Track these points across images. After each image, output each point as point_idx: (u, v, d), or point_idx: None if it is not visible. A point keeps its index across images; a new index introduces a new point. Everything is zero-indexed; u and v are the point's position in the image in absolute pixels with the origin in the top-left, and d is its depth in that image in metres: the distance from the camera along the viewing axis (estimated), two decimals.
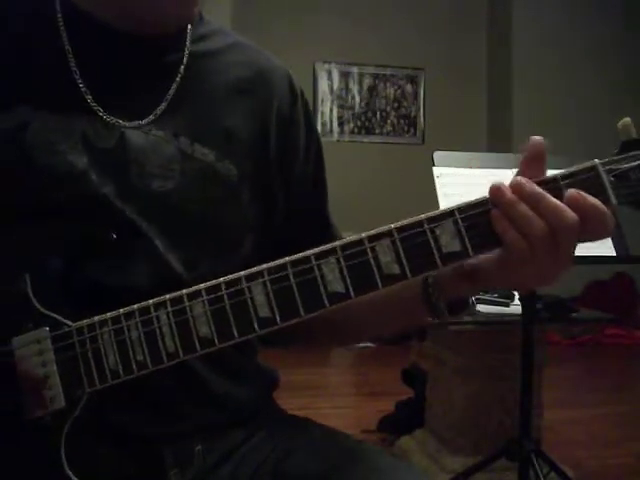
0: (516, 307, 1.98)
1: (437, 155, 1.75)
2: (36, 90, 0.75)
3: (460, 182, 1.68)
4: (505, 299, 2.07)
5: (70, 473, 0.64)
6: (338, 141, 5.52)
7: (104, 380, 0.65)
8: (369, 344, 4.41)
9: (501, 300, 2.07)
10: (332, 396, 3.54)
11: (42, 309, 0.67)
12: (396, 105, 5.69)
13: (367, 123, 5.64)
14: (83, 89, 0.75)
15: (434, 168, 1.72)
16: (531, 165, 0.62)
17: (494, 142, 5.60)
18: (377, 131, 5.65)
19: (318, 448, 0.80)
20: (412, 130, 5.71)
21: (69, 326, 0.67)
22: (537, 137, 0.62)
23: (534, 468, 1.77)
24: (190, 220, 0.76)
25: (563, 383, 3.63)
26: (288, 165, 0.86)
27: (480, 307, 2.04)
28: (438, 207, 1.64)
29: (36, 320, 0.67)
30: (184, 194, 0.76)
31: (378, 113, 5.66)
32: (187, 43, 0.82)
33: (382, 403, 2.99)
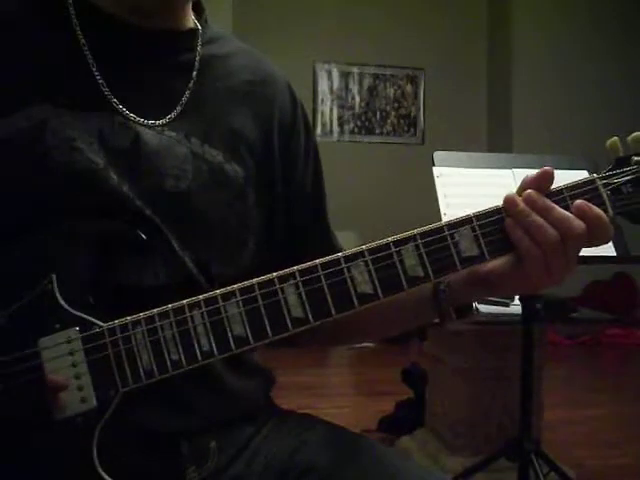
0: (516, 307, 1.98)
1: (437, 155, 1.75)
2: (53, 88, 0.75)
3: (460, 182, 1.68)
4: (505, 299, 2.07)
5: (104, 473, 0.64)
6: (338, 141, 5.53)
7: (138, 380, 0.65)
8: (369, 344, 4.41)
9: (501, 300, 2.06)
10: (332, 396, 3.55)
11: (70, 309, 0.67)
12: (396, 105, 5.70)
13: (367, 123, 5.64)
14: (102, 83, 0.75)
15: (434, 168, 1.72)
16: (538, 183, 0.68)
17: (494, 142, 5.60)
18: (377, 131, 5.65)
19: (324, 442, 0.82)
20: (412, 130, 5.71)
21: (100, 326, 0.66)
22: (548, 168, 0.68)
23: (534, 468, 1.77)
24: (202, 220, 0.77)
25: (563, 383, 3.63)
26: (289, 169, 0.87)
27: (480, 307, 2.04)
28: (438, 207, 1.64)
29: (64, 320, 0.66)
30: (196, 194, 0.76)
31: (378, 113, 5.66)
32: (199, 43, 0.83)
33: (382, 403, 2.99)
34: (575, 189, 0.67)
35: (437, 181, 1.69)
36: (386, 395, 3.07)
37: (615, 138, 0.69)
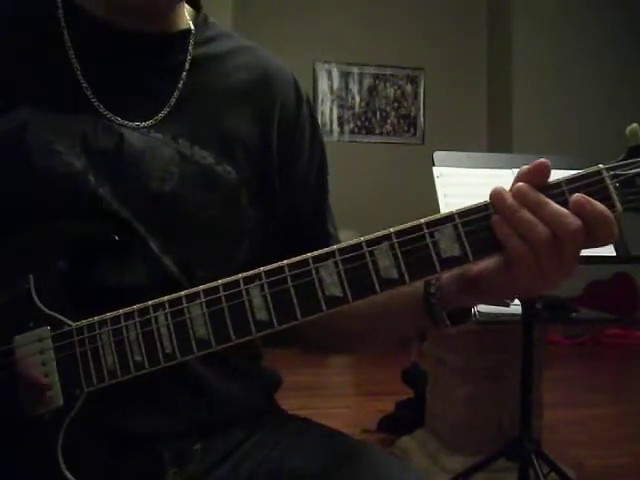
0: (516, 307, 1.97)
1: (437, 155, 1.75)
2: (37, 90, 0.75)
3: (460, 182, 1.68)
4: (502, 305, 2.07)
5: (67, 472, 0.64)
6: (338, 141, 5.52)
7: (102, 380, 0.66)
8: None
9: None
10: (332, 396, 3.54)
11: (44, 309, 0.68)
12: (396, 105, 5.70)
13: (367, 123, 5.64)
14: (85, 87, 0.75)
15: (434, 168, 1.72)
16: (532, 176, 0.61)
17: (494, 142, 5.60)
18: (377, 131, 5.65)
19: (317, 447, 0.80)
20: (412, 130, 5.71)
21: (69, 325, 0.67)
22: (544, 160, 0.61)
23: (534, 468, 1.77)
24: (186, 222, 0.76)
25: (563, 383, 3.63)
26: (290, 166, 0.86)
27: (480, 307, 2.04)
28: (438, 207, 1.64)
29: (38, 319, 0.68)
30: (182, 196, 0.75)
31: (378, 113, 5.66)
32: (190, 46, 0.82)
33: (382, 403, 2.99)
34: (576, 182, 0.59)
35: (437, 181, 1.69)
36: (386, 395, 3.07)
37: (635, 125, 0.61)
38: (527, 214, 0.59)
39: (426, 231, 0.61)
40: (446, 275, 0.68)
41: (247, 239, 0.81)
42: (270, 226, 0.84)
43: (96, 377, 0.66)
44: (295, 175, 0.86)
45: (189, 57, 0.81)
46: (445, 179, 1.69)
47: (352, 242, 0.62)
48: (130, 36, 0.78)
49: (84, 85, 0.75)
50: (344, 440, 0.83)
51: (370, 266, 0.62)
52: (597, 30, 5.36)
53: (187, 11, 0.85)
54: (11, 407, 0.66)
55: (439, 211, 1.69)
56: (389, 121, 5.68)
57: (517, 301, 2.02)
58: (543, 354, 2.20)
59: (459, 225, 0.61)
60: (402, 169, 5.31)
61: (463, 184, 1.67)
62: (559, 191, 0.60)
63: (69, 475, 0.64)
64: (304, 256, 0.63)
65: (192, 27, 0.84)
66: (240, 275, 0.64)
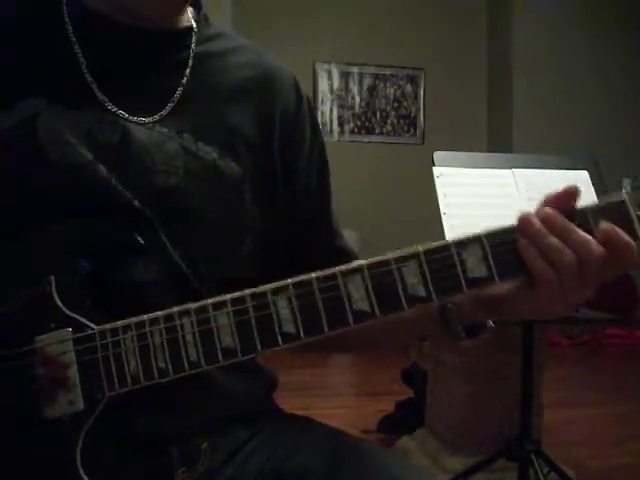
0: None
1: (437, 155, 1.75)
2: (43, 85, 0.75)
3: (460, 182, 1.68)
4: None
5: (84, 476, 0.64)
6: (338, 141, 5.52)
7: (124, 385, 0.65)
8: None
9: None
10: (332, 396, 3.54)
11: (66, 310, 0.67)
12: (396, 105, 5.70)
13: (367, 123, 5.64)
14: (90, 81, 0.76)
15: (434, 168, 1.72)
16: (560, 201, 0.62)
17: (494, 142, 5.60)
18: (377, 131, 5.65)
19: (321, 446, 0.81)
20: (412, 130, 5.71)
21: (92, 329, 0.66)
22: (574, 185, 0.62)
23: (534, 468, 1.77)
24: (190, 217, 0.76)
25: (563, 383, 3.63)
26: (291, 164, 0.86)
27: None
28: (438, 207, 1.64)
29: (59, 321, 0.67)
30: (186, 191, 0.76)
31: (378, 113, 5.66)
32: (193, 42, 0.83)
33: (382, 403, 2.99)
34: (601, 212, 0.61)
35: (437, 181, 1.69)
36: (386, 395, 3.07)
37: None
38: (555, 240, 0.61)
39: (454, 251, 0.62)
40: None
41: (250, 236, 0.81)
42: (273, 223, 0.84)
43: (118, 382, 0.65)
44: (296, 173, 0.87)
45: (192, 53, 0.82)
46: (445, 179, 1.69)
47: (380, 258, 0.63)
48: (135, 32, 0.78)
49: (89, 80, 0.76)
50: (346, 439, 0.83)
51: (398, 283, 0.62)
52: (597, 30, 5.36)
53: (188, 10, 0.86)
54: (30, 408, 0.65)
55: (439, 211, 1.69)
56: (389, 121, 5.68)
57: None
58: (543, 354, 2.20)
59: (486, 246, 0.62)
60: (402, 169, 5.31)
61: (463, 184, 1.67)
62: (584, 219, 0.61)
63: (86, 478, 0.64)
64: (332, 270, 0.63)
65: (194, 25, 0.84)
66: (268, 286, 0.64)
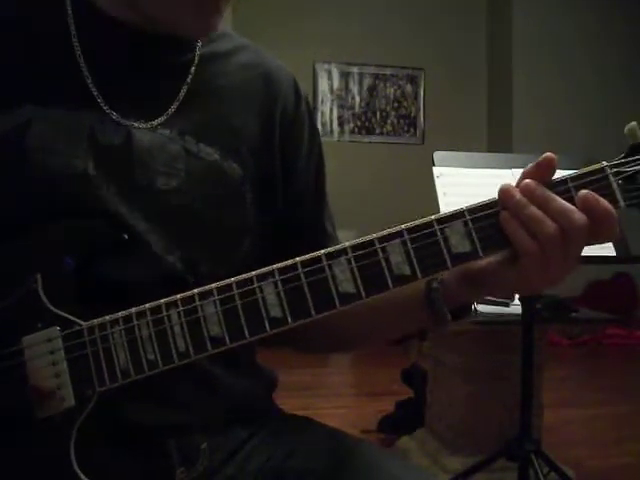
0: (516, 307, 1.98)
1: (437, 155, 1.75)
2: (43, 89, 0.74)
3: (460, 182, 1.69)
4: (505, 299, 2.07)
5: (80, 472, 0.64)
6: (338, 141, 5.53)
7: (115, 379, 0.65)
8: None
9: (501, 300, 2.06)
10: (332, 396, 3.54)
11: (53, 308, 0.67)
12: (396, 105, 5.70)
13: (367, 123, 5.64)
14: (91, 86, 0.75)
15: (434, 168, 1.72)
16: (539, 172, 0.62)
17: (494, 142, 5.60)
18: (377, 131, 5.65)
19: (321, 446, 0.81)
20: (412, 130, 5.71)
21: (80, 325, 0.66)
22: (550, 154, 0.62)
23: (534, 468, 1.77)
24: (192, 219, 0.76)
25: (563, 383, 3.63)
26: (291, 163, 0.86)
27: (480, 307, 2.04)
28: (438, 207, 1.64)
29: (46, 319, 0.67)
30: (188, 193, 0.76)
31: (378, 113, 5.66)
32: (198, 45, 0.82)
33: (382, 403, 2.99)
34: (581, 179, 0.61)
35: (437, 181, 1.70)
36: (386, 395, 3.07)
37: (634, 123, 0.63)
38: (535, 210, 0.60)
39: (437, 227, 0.62)
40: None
41: (249, 236, 0.81)
42: (271, 224, 0.85)
43: (108, 377, 0.65)
44: (295, 174, 0.87)
45: (197, 55, 0.82)
46: (445, 179, 1.69)
47: (364, 239, 0.63)
48: (138, 34, 0.78)
49: (90, 85, 0.75)
50: (346, 439, 0.83)
51: (383, 263, 0.62)
52: (597, 30, 5.36)
53: None
54: (21, 408, 0.65)
55: (439, 211, 1.69)
56: (389, 121, 5.68)
57: (517, 301, 2.02)
58: (543, 354, 2.20)
59: (469, 221, 0.62)
60: (402, 169, 5.31)
61: (463, 184, 1.67)
62: (565, 188, 0.61)
63: (82, 475, 0.64)
64: (317, 253, 0.63)
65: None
66: (253, 272, 0.64)
